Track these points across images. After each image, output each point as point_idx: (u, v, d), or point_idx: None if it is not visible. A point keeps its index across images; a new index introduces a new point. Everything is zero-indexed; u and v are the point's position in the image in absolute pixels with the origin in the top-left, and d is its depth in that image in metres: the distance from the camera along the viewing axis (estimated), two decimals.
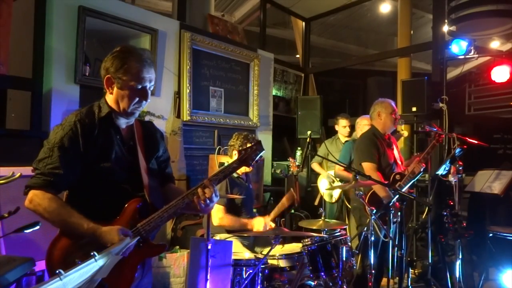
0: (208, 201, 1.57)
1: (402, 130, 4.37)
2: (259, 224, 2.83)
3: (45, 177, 1.51)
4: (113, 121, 1.65)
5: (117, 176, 1.60)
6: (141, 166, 1.67)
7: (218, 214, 2.79)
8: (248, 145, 2.97)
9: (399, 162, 3.52)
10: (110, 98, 1.66)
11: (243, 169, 3.02)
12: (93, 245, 1.46)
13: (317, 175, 4.93)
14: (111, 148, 1.61)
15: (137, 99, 1.62)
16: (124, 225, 1.53)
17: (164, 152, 1.85)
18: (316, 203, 4.83)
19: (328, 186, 4.60)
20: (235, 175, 3.01)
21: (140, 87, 1.61)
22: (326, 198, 4.66)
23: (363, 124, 4.41)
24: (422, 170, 3.28)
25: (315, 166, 4.90)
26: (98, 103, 1.68)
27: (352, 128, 4.76)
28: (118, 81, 1.61)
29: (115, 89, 1.63)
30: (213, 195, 1.58)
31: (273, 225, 2.90)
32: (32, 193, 1.51)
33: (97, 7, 3.46)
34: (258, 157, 1.71)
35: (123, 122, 1.70)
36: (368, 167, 3.26)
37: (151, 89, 1.68)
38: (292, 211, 4.35)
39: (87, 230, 1.48)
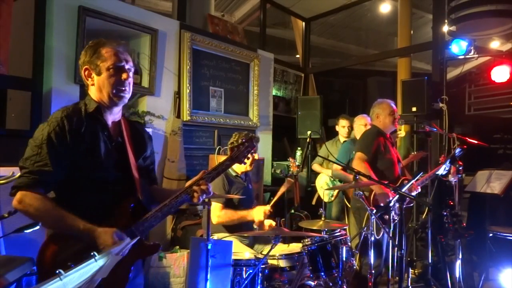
0: (204, 195, 1.64)
1: (399, 130, 4.37)
2: (259, 213, 2.79)
3: (33, 176, 1.47)
4: (101, 116, 1.64)
5: (106, 173, 1.58)
6: (131, 163, 1.65)
7: (215, 212, 2.77)
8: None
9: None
10: (93, 92, 1.65)
11: (242, 168, 3.02)
12: (84, 246, 1.45)
13: (317, 174, 4.93)
14: (98, 144, 1.59)
15: (117, 79, 1.62)
16: (118, 226, 1.51)
17: (151, 154, 1.85)
18: (313, 202, 4.82)
19: (325, 185, 4.59)
20: (233, 174, 3.01)
21: (117, 66, 1.62)
22: (324, 198, 4.65)
23: (358, 124, 4.41)
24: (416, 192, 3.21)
25: (316, 167, 4.87)
26: (84, 101, 1.66)
27: (352, 128, 4.76)
28: (95, 68, 1.62)
29: (94, 77, 1.63)
30: (208, 188, 1.64)
31: (271, 222, 2.88)
32: (20, 193, 1.46)
33: (97, 7, 3.46)
34: (249, 154, 1.77)
35: (109, 118, 1.68)
36: (357, 156, 3.26)
37: (131, 72, 1.68)
38: (292, 211, 4.34)
39: (83, 230, 1.46)
